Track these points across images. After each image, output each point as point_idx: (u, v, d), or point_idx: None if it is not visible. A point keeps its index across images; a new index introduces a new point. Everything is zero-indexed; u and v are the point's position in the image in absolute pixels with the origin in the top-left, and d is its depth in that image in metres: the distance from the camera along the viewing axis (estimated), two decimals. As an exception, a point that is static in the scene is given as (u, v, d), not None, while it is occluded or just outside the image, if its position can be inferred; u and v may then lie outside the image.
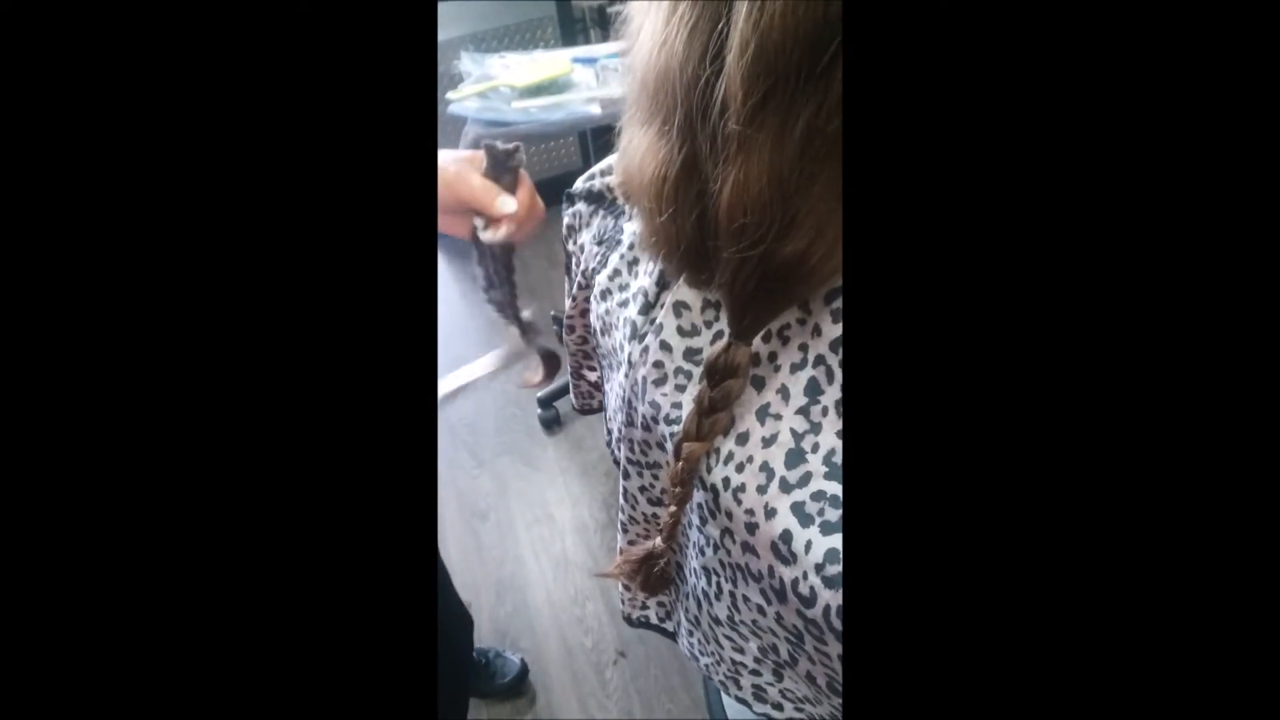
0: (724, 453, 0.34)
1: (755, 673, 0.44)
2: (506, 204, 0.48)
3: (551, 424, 1.69)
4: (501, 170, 0.49)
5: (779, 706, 0.46)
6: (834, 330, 0.31)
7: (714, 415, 0.33)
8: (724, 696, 1.18)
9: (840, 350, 0.31)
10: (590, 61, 1.31)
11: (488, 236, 0.50)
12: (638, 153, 0.32)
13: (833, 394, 0.31)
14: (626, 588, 0.56)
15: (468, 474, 1.61)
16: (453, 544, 1.47)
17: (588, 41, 1.98)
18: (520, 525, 1.49)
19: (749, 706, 0.47)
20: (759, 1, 0.25)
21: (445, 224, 0.51)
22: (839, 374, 0.31)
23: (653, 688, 1.22)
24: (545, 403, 1.68)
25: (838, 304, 0.31)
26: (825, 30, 0.24)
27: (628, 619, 0.65)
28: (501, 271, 0.54)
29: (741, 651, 0.43)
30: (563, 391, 1.60)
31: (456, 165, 0.49)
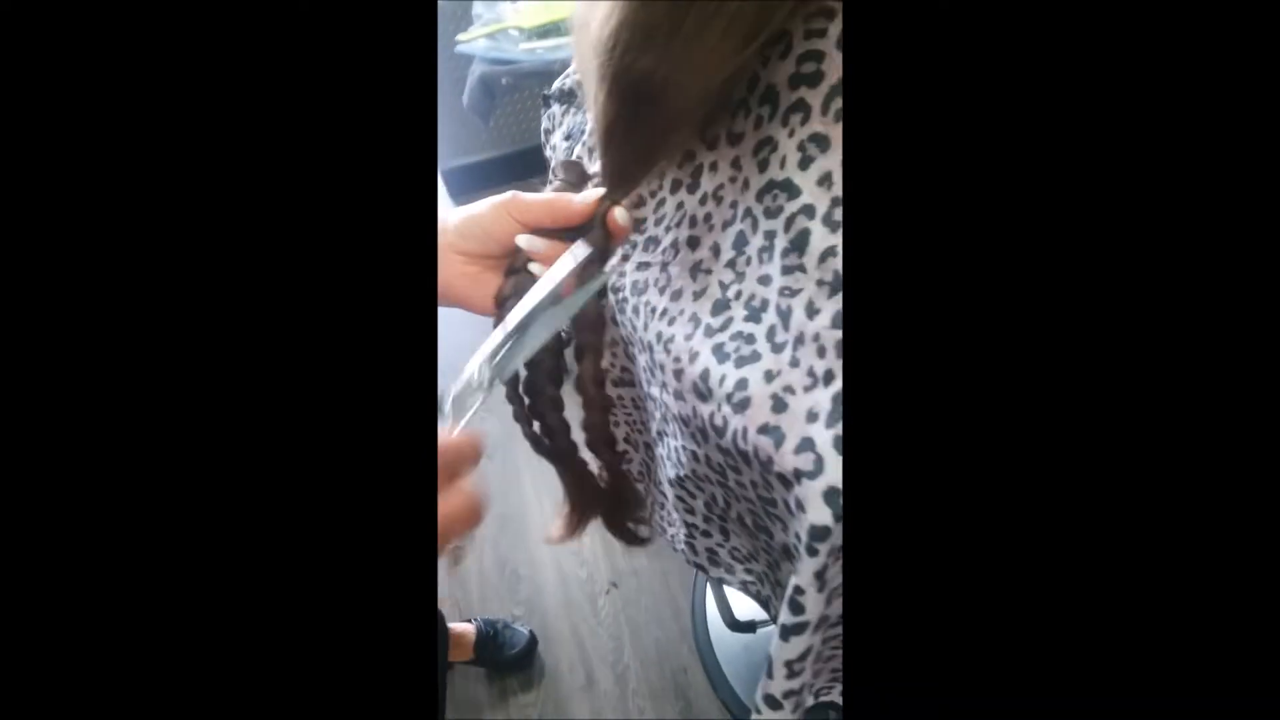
0: (659, 310, 0.37)
1: (706, 534, 0.48)
2: (619, 213, 0.35)
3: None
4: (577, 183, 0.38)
5: (730, 569, 0.50)
6: (760, 179, 0.34)
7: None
8: (708, 626, 1.22)
9: (764, 199, 0.34)
10: (599, 6, 1.32)
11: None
12: None
13: (757, 243, 0.34)
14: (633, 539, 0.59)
15: (476, 416, 1.66)
16: (459, 481, 1.53)
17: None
18: (523, 464, 1.54)
19: (705, 572, 0.51)
20: None
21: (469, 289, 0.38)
22: (763, 222, 0.34)
23: (643, 617, 1.27)
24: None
25: (765, 154, 0.33)
26: None
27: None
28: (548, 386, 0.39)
29: (692, 512, 0.47)
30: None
31: (509, 201, 0.36)
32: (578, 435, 0.40)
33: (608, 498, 0.44)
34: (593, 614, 1.29)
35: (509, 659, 1.20)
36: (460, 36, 1.24)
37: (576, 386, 0.38)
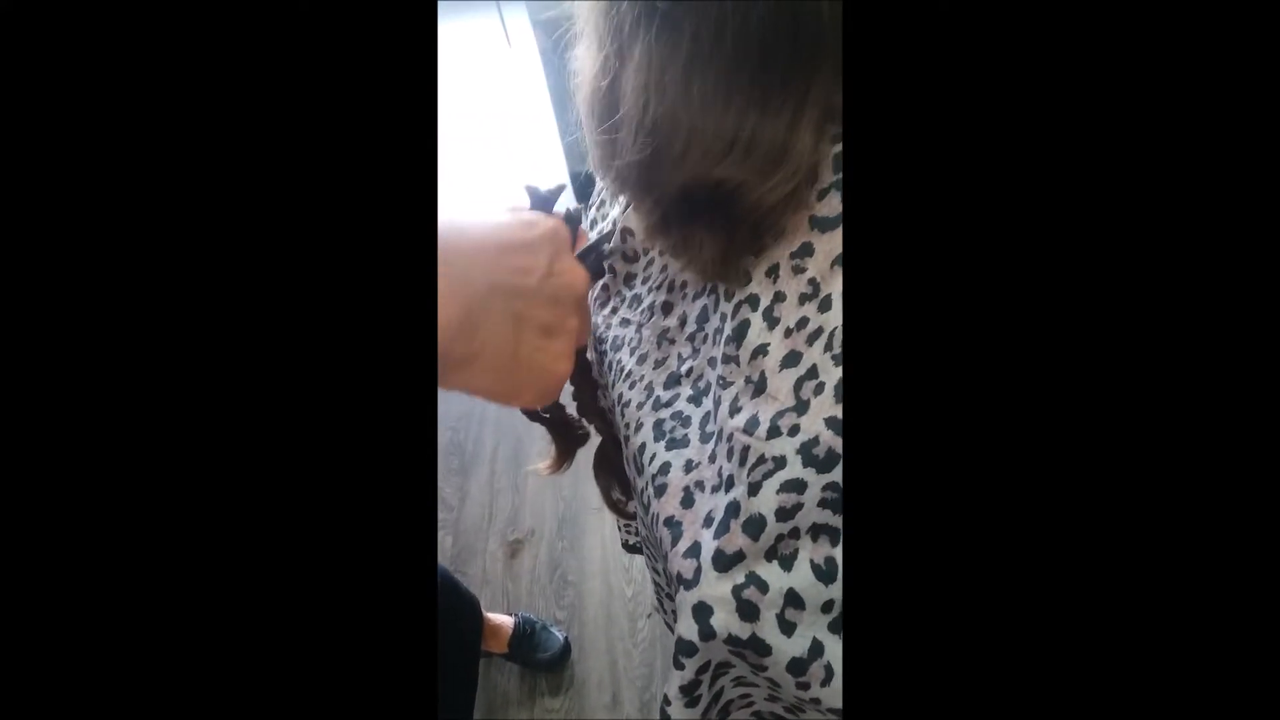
0: (625, 370, 0.37)
1: (669, 596, 0.47)
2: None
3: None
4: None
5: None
6: None
7: None
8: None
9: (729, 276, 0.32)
10: None
11: None
12: None
13: (714, 322, 0.33)
14: (621, 512, 0.60)
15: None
16: (532, 480, 1.58)
17: None
18: (587, 471, 1.57)
19: (671, 631, 0.50)
20: None
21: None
22: (722, 302, 0.32)
23: (680, 648, 1.26)
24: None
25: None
26: None
27: (625, 545, 0.70)
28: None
29: (657, 572, 0.46)
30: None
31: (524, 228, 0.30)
32: (568, 404, 0.42)
33: (601, 455, 0.47)
34: (631, 634, 1.29)
35: (541, 660, 1.22)
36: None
37: None
